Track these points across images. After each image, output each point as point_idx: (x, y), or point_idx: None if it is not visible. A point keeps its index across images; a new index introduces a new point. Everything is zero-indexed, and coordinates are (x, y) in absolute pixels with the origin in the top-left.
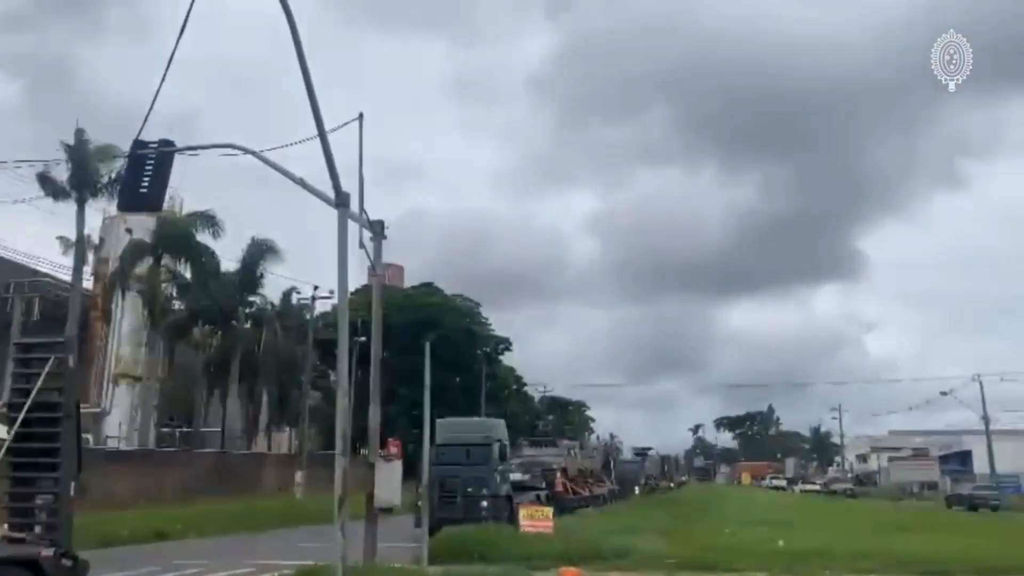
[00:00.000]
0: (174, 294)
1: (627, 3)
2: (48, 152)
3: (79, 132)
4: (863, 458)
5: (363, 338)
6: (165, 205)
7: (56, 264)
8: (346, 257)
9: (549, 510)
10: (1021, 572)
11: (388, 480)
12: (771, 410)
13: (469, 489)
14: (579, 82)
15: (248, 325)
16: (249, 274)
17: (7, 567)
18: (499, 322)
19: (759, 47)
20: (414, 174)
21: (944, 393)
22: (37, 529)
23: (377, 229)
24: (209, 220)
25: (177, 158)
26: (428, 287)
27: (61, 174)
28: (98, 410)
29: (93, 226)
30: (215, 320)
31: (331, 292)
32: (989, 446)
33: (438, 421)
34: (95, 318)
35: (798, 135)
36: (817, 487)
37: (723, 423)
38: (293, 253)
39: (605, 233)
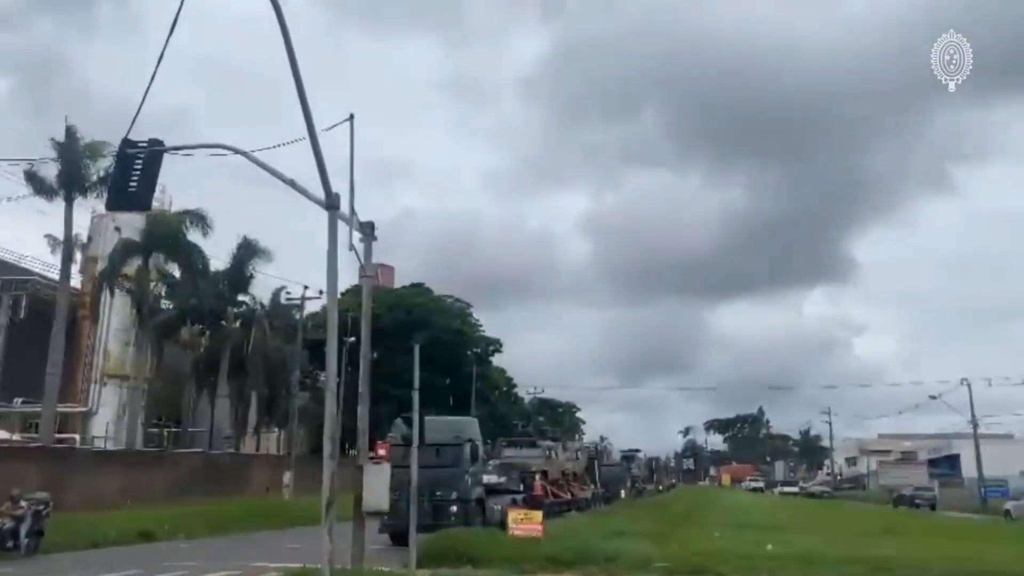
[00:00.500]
0: (163, 293)
1: (619, 6)
2: (39, 150)
3: (70, 130)
4: (852, 461)
5: (352, 339)
6: (154, 202)
7: (45, 263)
8: (336, 258)
9: (539, 513)
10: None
11: (376, 484)
12: (761, 413)
13: (438, 492)
14: (571, 84)
15: (237, 325)
16: (238, 274)
17: None
18: (490, 323)
19: (750, 50)
20: (405, 175)
21: (933, 397)
22: None
23: (368, 230)
24: (199, 218)
25: (167, 156)
26: (418, 288)
27: (51, 172)
28: (85, 410)
29: (82, 224)
30: (204, 320)
31: (321, 292)
32: (977, 450)
33: (402, 418)
34: (83, 317)
35: (789, 138)
36: (795, 490)
37: (713, 426)
38: (283, 253)
39: (596, 235)
